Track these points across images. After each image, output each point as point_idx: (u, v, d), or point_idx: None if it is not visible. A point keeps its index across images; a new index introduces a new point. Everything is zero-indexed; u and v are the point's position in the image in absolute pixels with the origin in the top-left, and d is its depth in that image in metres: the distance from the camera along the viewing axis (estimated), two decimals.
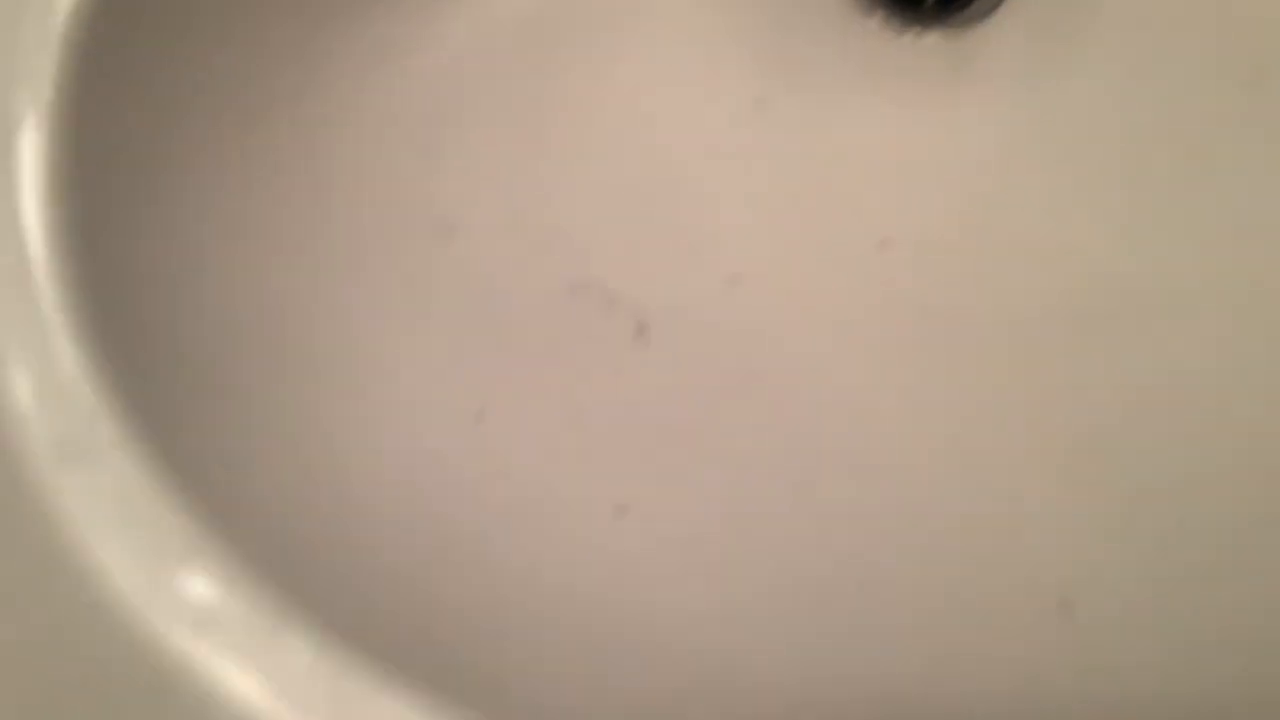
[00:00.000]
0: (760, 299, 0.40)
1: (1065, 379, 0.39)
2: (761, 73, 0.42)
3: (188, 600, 0.28)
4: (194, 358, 0.33)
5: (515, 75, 0.41)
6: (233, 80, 0.36)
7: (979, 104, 0.41)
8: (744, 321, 0.40)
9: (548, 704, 0.32)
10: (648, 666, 0.35)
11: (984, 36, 0.41)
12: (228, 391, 0.34)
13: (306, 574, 0.29)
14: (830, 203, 0.42)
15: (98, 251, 0.32)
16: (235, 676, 0.27)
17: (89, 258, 0.31)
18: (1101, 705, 0.34)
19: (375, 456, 0.33)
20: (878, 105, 0.42)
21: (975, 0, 0.42)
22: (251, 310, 0.34)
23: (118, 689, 0.27)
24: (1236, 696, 0.34)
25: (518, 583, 0.34)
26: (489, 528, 0.34)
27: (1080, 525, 0.37)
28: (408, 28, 0.40)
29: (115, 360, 0.30)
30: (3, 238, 0.31)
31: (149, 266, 0.33)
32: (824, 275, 0.41)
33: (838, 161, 0.42)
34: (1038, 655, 0.35)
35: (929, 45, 0.42)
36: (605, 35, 0.42)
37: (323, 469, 0.33)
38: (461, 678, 0.30)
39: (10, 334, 0.30)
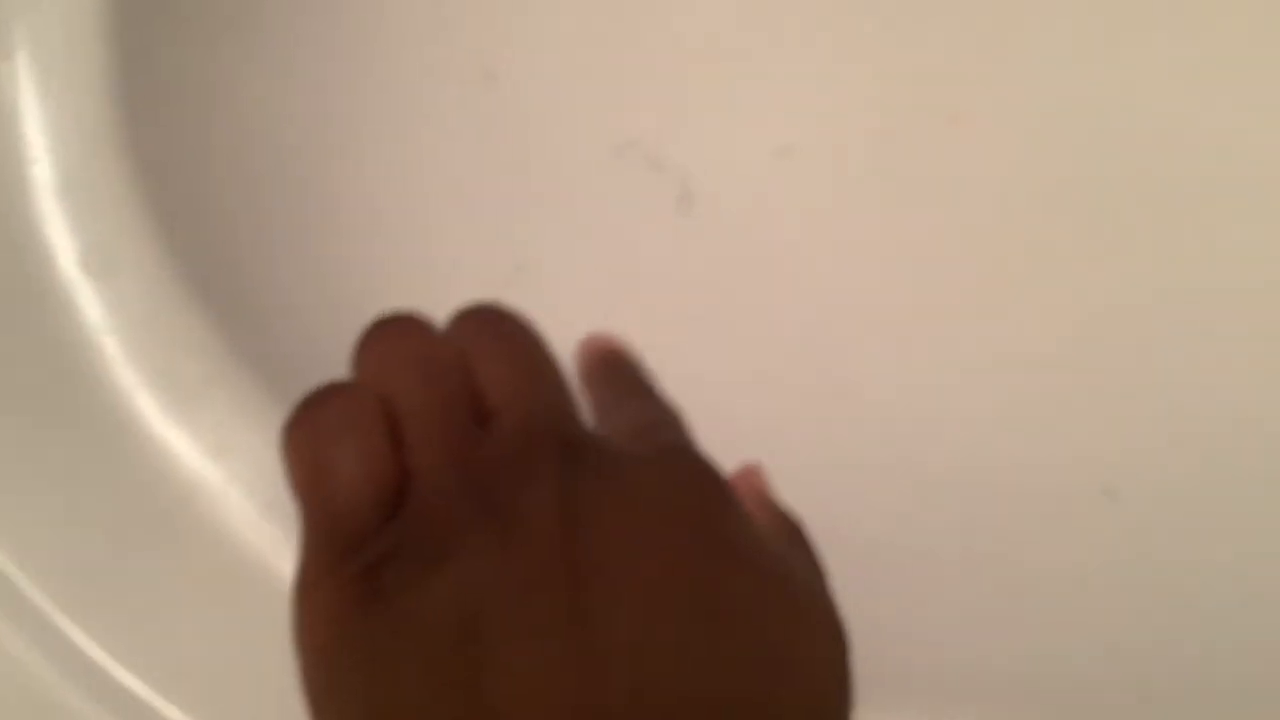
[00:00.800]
0: (811, 174, 0.39)
1: (1121, 262, 0.38)
2: None
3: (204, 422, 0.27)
4: (236, 196, 0.32)
5: None
6: None
7: None
8: (792, 197, 0.39)
9: None
10: None
11: None
12: (262, 232, 0.33)
13: None
14: (890, 76, 0.40)
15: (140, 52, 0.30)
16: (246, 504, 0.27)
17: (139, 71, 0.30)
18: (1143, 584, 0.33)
19: (406, 302, 0.32)
20: None
21: None
22: (283, 149, 0.33)
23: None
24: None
25: None
26: None
27: (1121, 414, 0.36)
28: None
29: (145, 173, 0.29)
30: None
31: (197, 94, 0.32)
32: (883, 154, 0.40)
33: (897, 31, 0.40)
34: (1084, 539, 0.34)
35: None
36: None
37: (346, 307, 0.32)
38: None
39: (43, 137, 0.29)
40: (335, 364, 0.27)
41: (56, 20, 0.29)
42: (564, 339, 0.36)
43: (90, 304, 0.28)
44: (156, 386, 0.28)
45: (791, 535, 0.29)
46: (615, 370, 0.32)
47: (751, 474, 0.31)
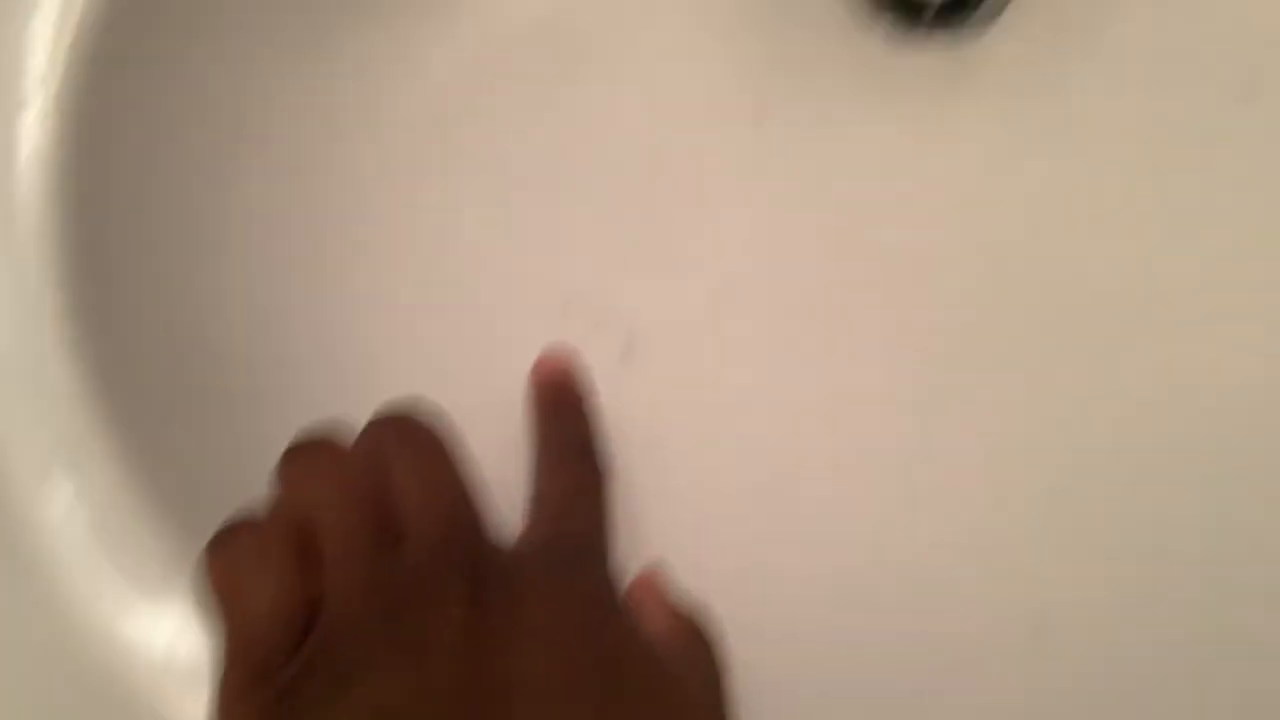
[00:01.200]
0: (755, 313, 0.41)
1: (1057, 388, 0.39)
2: (761, 89, 0.42)
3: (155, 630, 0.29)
4: (179, 378, 0.34)
5: (515, 89, 0.42)
6: (233, 87, 0.37)
7: (979, 114, 0.41)
8: (735, 337, 0.40)
9: None
10: None
11: (983, 47, 0.41)
12: (211, 413, 0.35)
13: None
14: (829, 214, 0.42)
15: (93, 273, 0.33)
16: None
17: (87, 270, 0.33)
18: None
19: None
20: (878, 118, 0.42)
21: (975, 11, 0.41)
22: (237, 328, 0.35)
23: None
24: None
25: None
26: None
27: (1055, 551, 0.37)
28: (421, 33, 0.41)
29: (103, 378, 0.31)
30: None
31: (141, 287, 0.34)
32: (821, 288, 0.41)
33: (838, 172, 0.42)
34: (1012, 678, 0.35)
35: (929, 56, 0.41)
36: (607, 50, 0.42)
37: None
38: None
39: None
40: None
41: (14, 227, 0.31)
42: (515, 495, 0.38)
43: (49, 505, 0.30)
44: (112, 581, 0.30)
45: (690, 636, 0.30)
46: (561, 410, 0.34)
47: (652, 577, 0.33)
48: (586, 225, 0.41)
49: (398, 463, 0.27)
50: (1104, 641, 0.35)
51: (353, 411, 0.37)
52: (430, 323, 0.40)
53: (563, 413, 0.36)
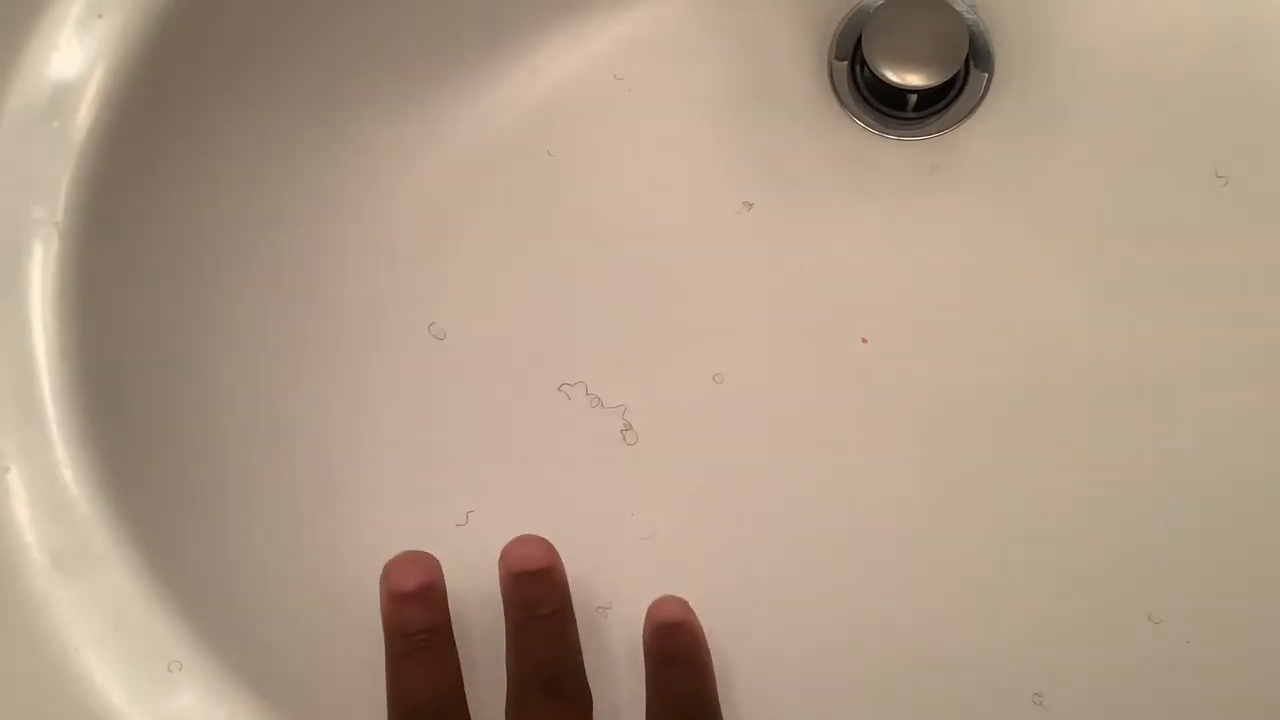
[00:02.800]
0: (743, 396, 0.42)
1: (1037, 468, 0.40)
2: (748, 177, 0.43)
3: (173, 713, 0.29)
4: (189, 470, 0.34)
5: (512, 185, 0.43)
6: (237, 189, 0.38)
7: (957, 203, 0.43)
8: (728, 423, 0.41)
9: None
10: None
11: (961, 138, 0.43)
12: (219, 504, 0.35)
13: (291, 685, 0.30)
14: (812, 301, 0.43)
15: (102, 366, 0.33)
16: None
17: (94, 374, 0.33)
18: None
19: (362, 568, 0.34)
20: (860, 206, 0.43)
21: (953, 104, 0.43)
22: (243, 417, 0.36)
23: None
24: None
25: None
26: (472, 633, 0.35)
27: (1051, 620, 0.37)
28: (414, 129, 0.42)
29: (113, 474, 0.31)
30: (12, 353, 0.33)
31: (147, 380, 0.34)
32: (806, 372, 0.42)
33: (821, 261, 0.43)
34: None
35: (910, 146, 0.43)
36: (596, 144, 0.43)
37: (307, 579, 0.34)
38: None
39: (13, 445, 0.32)
40: (298, 635, 0.29)
41: (22, 336, 0.32)
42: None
43: (61, 601, 0.30)
44: (125, 675, 0.30)
45: None
46: (677, 656, 0.34)
47: None
48: (578, 311, 0.42)
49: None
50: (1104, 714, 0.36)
51: (364, 495, 0.37)
52: (429, 425, 0.40)
53: (681, 656, 0.35)
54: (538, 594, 0.33)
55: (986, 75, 0.43)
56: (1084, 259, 0.41)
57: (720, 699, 0.34)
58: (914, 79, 0.41)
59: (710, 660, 0.35)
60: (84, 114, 0.33)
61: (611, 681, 0.36)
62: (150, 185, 0.34)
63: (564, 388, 0.40)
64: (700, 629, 0.35)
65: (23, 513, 0.31)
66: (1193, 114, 0.41)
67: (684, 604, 0.36)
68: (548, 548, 0.34)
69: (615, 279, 0.42)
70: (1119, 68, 0.41)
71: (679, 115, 0.43)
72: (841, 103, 0.43)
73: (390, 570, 0.33)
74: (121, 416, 0.33)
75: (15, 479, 0.31)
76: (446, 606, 0.33)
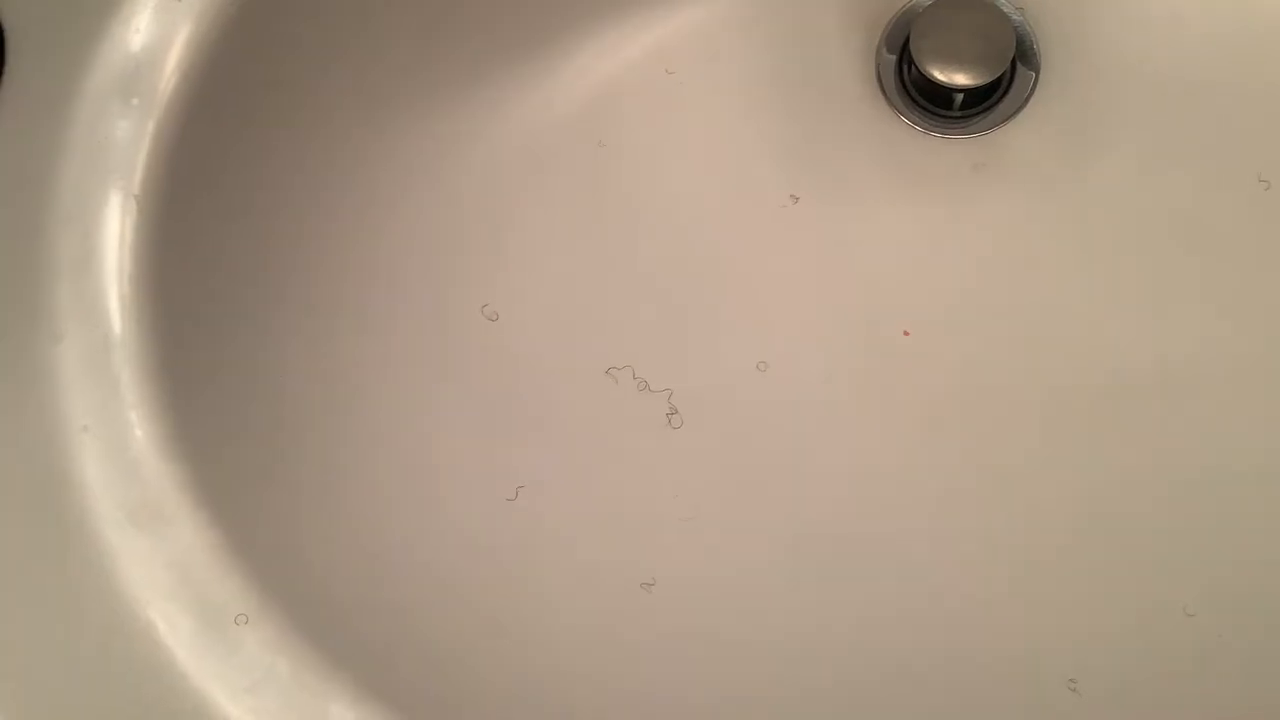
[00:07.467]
0: (786, 385, 0.42)
1: (1076, 465, 0.41)
2: (794, 172, 0.44)
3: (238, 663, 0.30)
4: (256, 435, 0.35)
5: (562, 173, 0.44)
6: (299, 172, 0.40)
7: (1000, 202, 0.43)
8: (770, 406, 0.42)
9: None
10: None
11: (1007, 137, 0.43)
12: (283, 466, 0.37)
13: (351, 642, 0.31)
14: (855, 294, 0.44)
15: (175, 335, 0.35)
16: None
17: (167, 343, 0.34)
18: None
19: (417, 535, 0.35)
20: (904, 203, 0.44)
21: (999, 104, 0.44)
22: (308, 387, 0.37)
23: None
24: None
25: (547, 655, 0.36)
26: (519, 603, 0.36)
27: (1088, 610, 0.38)
28: (467, 124, 0.43)
29: (183, 436, 0.33)
30: (92, 321, 0.34)
31: (218, 348, 0.36)
32: (848, 362, 0.43)
33: (863, 255, 0.44)
34: None
35: (955, 144, 0.44)
36: (646, 136, 0.44)
37: (366, 540, 0.35)
38: None
39: (91, 406, 0.33)
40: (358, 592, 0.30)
41: (100, 303, 0.33)
42: (564, 553, 0.39)
43: (132, 554, 0.31)
44: (192, 626, 0.31)
45: None
46: None
47: None
48: (626, 297, 0.43)
49: None
50: None
51: (419, 465, 0.38)
52: (481, 405, 0.41)
53: None
54: None
55: (1034, 74, 0.43)
56: (1126, 259, 0.42)
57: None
58: (961, 78, 0.42)
59: None
60: (162, 91, 0.35)
61: (655, 657, 0.37)
62: (225, 163, 0.36)
63: (612, 371, 0.41)
64: None
65: (97, 469, 0.32)
66: (1237, 118, 0.41)
67: None
68: None
69: (663, 267, 0.43)
70: (1164, 70, 0.42)
71: (728, 109, 0.44)
72: (888, 101, 0.44)
73: None
74: (193, 382, 0.34)
75: (92, 438, 0.33)
76: None
